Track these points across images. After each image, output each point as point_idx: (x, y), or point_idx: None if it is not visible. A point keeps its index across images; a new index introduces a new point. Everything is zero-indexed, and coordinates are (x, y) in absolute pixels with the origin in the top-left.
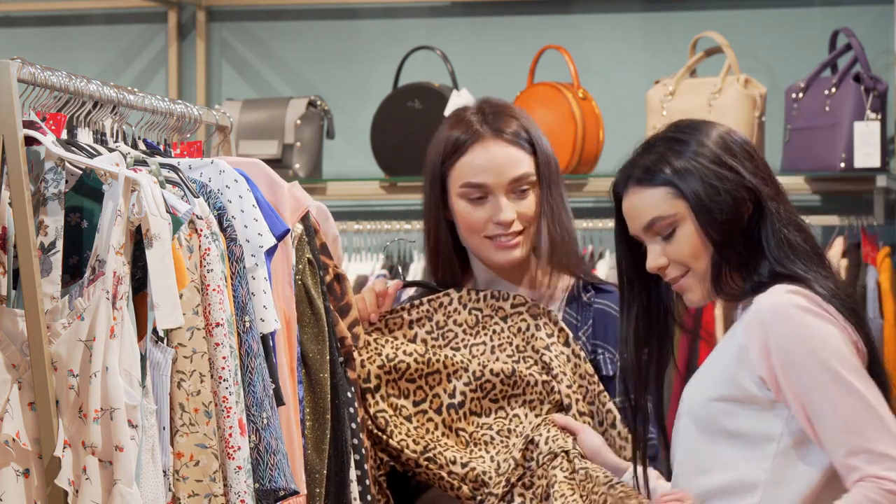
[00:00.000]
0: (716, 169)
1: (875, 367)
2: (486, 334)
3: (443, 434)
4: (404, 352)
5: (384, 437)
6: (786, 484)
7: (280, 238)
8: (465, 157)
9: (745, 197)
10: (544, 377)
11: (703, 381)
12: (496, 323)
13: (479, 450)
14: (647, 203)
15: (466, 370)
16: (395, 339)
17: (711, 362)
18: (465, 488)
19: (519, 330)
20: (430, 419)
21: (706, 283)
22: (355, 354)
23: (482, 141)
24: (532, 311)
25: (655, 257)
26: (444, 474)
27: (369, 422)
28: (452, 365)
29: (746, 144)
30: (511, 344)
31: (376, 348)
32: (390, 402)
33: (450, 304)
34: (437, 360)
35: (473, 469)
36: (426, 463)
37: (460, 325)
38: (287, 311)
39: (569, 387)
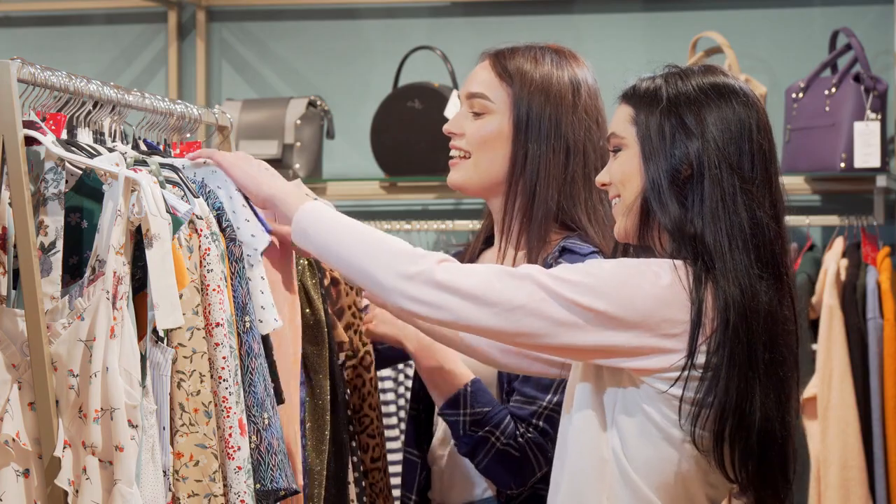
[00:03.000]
0: (682, 119)
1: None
2: None
3: None
4: None
5: None
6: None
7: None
8: None
9: (689, 160)
10: None
11: None
12: None
13: None
14: (616, 117)
15: None
16: None
17: None
18: None
19: None
20: None
21: (631, 219)
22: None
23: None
24: None
25: (603, 173)
26: None
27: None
28: None
29: (742, 123)
30: None
31: None
32: None
33: None
34: None
35: None
36: None
37: None
38: (291, 312)
39: None
